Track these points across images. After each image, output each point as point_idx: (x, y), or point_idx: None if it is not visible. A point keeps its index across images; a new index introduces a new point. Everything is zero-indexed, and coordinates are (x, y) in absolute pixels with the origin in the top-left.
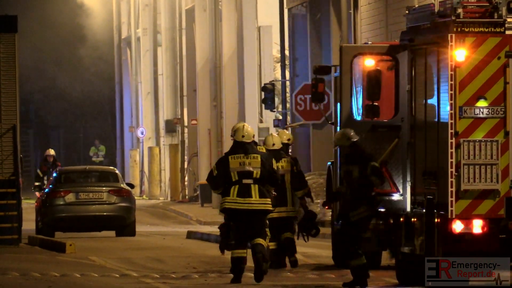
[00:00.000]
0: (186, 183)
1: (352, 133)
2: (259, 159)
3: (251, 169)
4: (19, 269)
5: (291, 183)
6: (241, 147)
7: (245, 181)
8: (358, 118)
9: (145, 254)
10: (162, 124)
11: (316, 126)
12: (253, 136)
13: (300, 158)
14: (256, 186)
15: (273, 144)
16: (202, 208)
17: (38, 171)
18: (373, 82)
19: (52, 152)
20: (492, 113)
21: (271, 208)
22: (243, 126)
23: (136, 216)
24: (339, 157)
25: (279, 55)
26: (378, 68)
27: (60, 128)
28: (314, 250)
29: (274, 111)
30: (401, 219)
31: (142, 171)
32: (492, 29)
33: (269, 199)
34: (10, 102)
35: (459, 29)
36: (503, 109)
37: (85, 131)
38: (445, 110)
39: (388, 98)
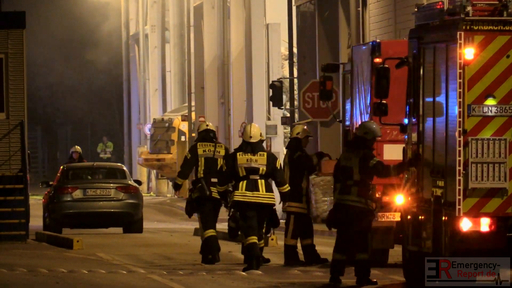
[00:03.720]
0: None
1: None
2: (265, 156)
3: (257, 166)
4: (26, 265)
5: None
6: (249, 146)
7: (252, 176)
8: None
9: (153, 250)
10: None
11: (324, 124)
12: (260, 135)
13: None
14: (263, 181)
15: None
16: None
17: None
18: (381, 80)
19: (77, 148)
20: (501, 111)
21: (275, 202)
22: (250, 127)
23: (143, 213)
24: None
25: (287, 53)
26: (387, 65)
27: (68, 124)
28: (321, 247)
29: (282, 109)
30: (409, 217)
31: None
32: (502, 27)
33: (273, 194)
34: (18, 98)
35: (468, 27)
36: (511, 108)
37: (92, 127)
38: (454, 108)
39: (398, 96)
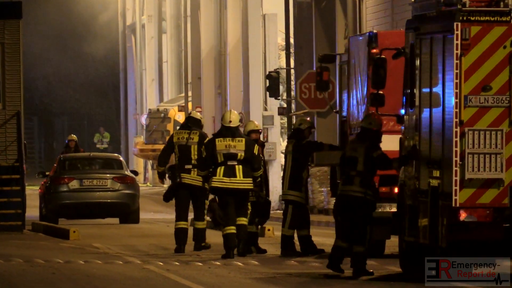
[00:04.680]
0: None
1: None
2: (244, 142)
3: (235, 151)
4: (22, 255)
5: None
6: (228, 130)
7: (230, 162)
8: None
9: (149, 241)
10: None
11: (320, 114)
12: (240, 121)
13: None
14: (240, 166)
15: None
16: None
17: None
18: (378, 70)
19: (73, 137)
20: (497, 102)
21: (252, 187)
22: (230, 111)
23: (140, 203)
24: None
25: (284, 43)
26: (383, 56)
27: (65, 115)
28: (318, 238)
29: (279, 99)
30: (405, 208)
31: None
32: (498, 18)
33: (251, 179)
34: (14, 88)
35: (465, 18)
36: (508, 98)
37: (89, 118)
38: (450, 99)
39: (395, 87)
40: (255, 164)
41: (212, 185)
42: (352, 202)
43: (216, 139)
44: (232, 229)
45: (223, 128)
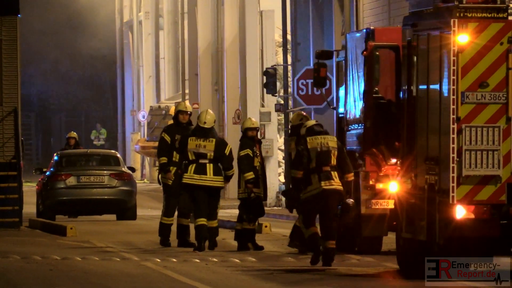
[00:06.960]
0: None
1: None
2: (214, 143)
3: (205, 151)
4: (20, 252)
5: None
6: (201, 131)
7: (201, 161)
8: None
9: (146, 238)
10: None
11: (317, 110)
12: (214, 122)
13: None
14: (211, 165)
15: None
16: None
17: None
18: (372, 68)
19: (74, 134)
20: (494, 98)
21: (223, 185)
22: (206, 112)
23: (137, 199)
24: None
25: (281, 40)
26: (377, 53)
27: (62, 111)
28: None
29: (276, 96)
30: (402, 205)
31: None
32: (495, 15)
33: (222, 177)
34: (11, 85)
35: (461, 15)
36: (505, 95)
37: (86, 114)
38: (447, 96)
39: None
40: (224, 163)
41: (183, 181)
42: (336, 195)
43: (189, 138)
44: (203, 221)
45: (197, 128)
